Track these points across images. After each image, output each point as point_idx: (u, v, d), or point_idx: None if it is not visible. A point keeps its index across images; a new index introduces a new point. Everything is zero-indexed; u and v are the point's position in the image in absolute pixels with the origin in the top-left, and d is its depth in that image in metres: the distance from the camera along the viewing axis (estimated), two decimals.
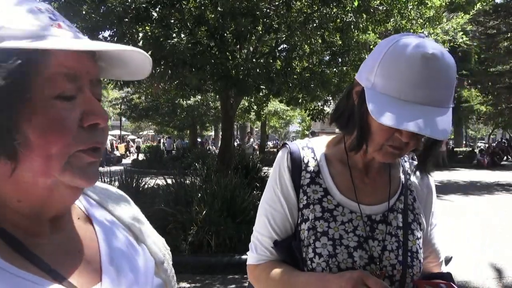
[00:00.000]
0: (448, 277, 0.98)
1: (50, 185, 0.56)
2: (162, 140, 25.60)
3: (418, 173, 1.12)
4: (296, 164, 1.06)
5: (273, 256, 1.07)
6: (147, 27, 4.86)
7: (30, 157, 0.53)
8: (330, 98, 8.23)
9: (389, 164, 1.09)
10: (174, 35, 4.77)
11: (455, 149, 23.45)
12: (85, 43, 0.55)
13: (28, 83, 0.52)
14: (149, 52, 4.65)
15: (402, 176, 1.11)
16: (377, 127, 0.92)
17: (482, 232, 6.61)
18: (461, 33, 7.12)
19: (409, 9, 5.67)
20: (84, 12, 4.64)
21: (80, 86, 0.57)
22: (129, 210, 0.77)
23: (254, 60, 5.69)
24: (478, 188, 12.30)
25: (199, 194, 5.29)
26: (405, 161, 1.15)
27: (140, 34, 4.72)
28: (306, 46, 6.40)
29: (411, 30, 6.10)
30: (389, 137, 0.91)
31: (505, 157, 20.97)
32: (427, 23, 6.25)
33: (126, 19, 4.65)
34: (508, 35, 17.47)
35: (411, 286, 0.99)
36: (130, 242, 0.71)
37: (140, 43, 4.61)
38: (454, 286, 0.90)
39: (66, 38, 0.55)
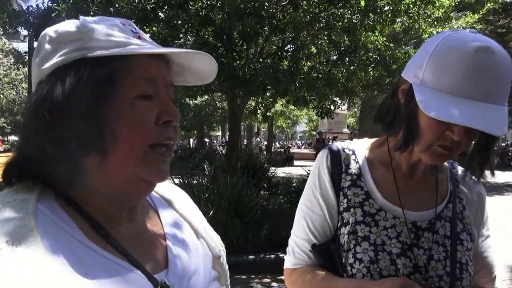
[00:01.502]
0: None
1: (130, 178, 0.64)
2: (191, 140, 26.85)
3: (467, 180, 1.04)
4: (337, 166, 1.02)
5: (310, 260, 1.03)
6: (154, 28, 4.88)
7: (116, 150, 0.61)
8: (338, 98, 8.19)
9: (436, 168, 1.03)
10: (181, 35, 4.78)
11: None
12: (161, 48, 0.65)
13: (116, 86, 0.61)
14: None
15: (450, 183, 1.04)
16: (426, 124, 0.86)
17: (493, 233, 6.54)
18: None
19: (416, 9, 5.62)
20: (92, 13, 4.68)
21: (157, 89, 0.65)
22: (190, 208, 0.85)
23: (260, 60, 5.69)
24: (488, 188, 12.08)
25: (206, 194, 5.30)
26: (453, 167, 1.08)
27: (147, 35, 4.75)
28: (313, 46, 6.38)
29: (420, 30, 6.05)
30: (439, 135, 0.86)
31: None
32: (435, 23, 6.19)
33: (133, 20, 4.67)
34: None
35: None
36: (191, 236, 0.79)
37: None
38: None
39: (145, 46, 0.65)
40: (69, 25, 0.64)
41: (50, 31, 0.65)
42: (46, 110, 0.59)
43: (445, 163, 1.07)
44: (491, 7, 7.57)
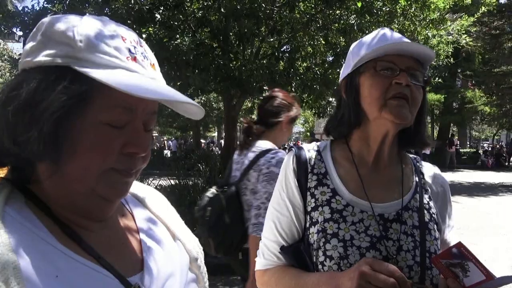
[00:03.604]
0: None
1: (86, 193, 0.62)
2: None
3: (432, 172, 1.10)
4: (302, 167, 1.04)
5: (280, 261, 1.05)
6: (150, 29, 4.87)
7: (70, 166, 0.59)
8: (334, 99, 8.22)
9: (401, 160, 1.08)
10: (178, 36, 4.78)
11: (459, 150, 23.34)
12: (145, 93, 0.58)
13: (88, 106, 0.59)
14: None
15: (415, 175, 1.07)
16: (371, 85, 0.96)
17: (489, 234, 6.57)
18: (465, 35, 7.08)
19: (412, 10, 5.65)
20: (87, 14, 4.65)
21: (134, 117, 0.63)
22: (167, 210, 0.84)
23: (257, 61, 5.69)
24: (483, 189, 12.24)
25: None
26: (417, 161, 1.12)
27: (144, 36, 4.74)
28: (309, 47, 6.39)
29: (415, 32, 6.07)
30: (386, 87, 0.94)
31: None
32: (430, 25, 6.22)
33: (129, 21, 4.66)
34: None
35: None
36: (168, 238, 0.77)
37: None
38: (464, 245, 0.82)
39: (133, 77, 0.60)
40: (66, 23, 0.61)
41: (49, 21, 0.62)
42: (12, 108, 0.57)
43: (409, 158, 1.12)
44: (485, 11, 7.61)
